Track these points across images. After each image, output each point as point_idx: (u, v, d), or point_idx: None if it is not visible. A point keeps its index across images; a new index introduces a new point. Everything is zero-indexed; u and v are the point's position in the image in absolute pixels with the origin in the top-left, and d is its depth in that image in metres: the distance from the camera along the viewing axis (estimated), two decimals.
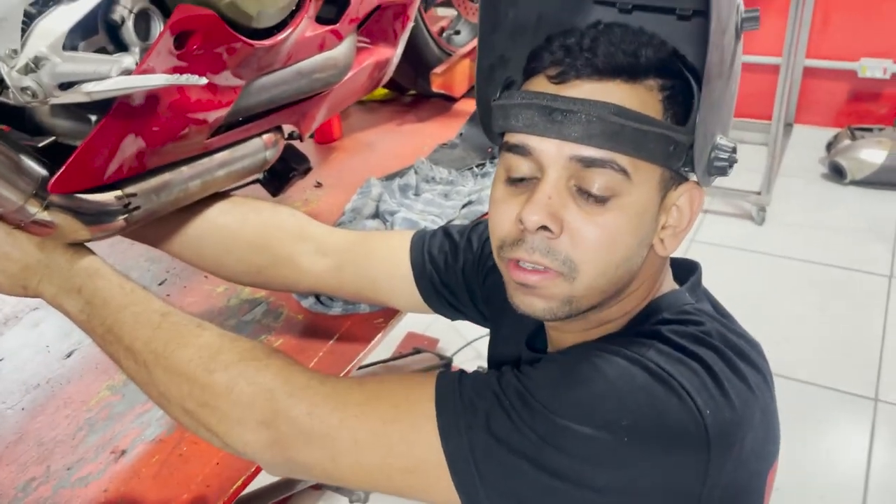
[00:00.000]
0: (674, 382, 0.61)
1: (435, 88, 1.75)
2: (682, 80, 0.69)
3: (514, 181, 0.70)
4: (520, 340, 0.87)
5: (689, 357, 0.63)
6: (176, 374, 0.73)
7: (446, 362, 2.19)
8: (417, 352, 2.26)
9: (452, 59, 1.79)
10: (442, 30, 1.89)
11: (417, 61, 1.73)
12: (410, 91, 1.90)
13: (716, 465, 0.60)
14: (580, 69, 0.66)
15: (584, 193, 0.66)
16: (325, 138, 1.68)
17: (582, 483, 0.60)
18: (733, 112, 0.76)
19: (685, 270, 0.80)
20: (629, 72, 0.66)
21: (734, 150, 0.70)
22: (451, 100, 1.83)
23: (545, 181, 0.66)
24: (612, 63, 0.66)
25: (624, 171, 0.65)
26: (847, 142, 3.48)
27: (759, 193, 3.15)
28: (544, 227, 0.66)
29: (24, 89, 0.65)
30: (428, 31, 1.72)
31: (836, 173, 3.46)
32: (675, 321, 0.69)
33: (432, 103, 1.84)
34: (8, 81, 0.65)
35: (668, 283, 0.77)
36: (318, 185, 1.48)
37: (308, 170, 1.22)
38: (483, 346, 2.44)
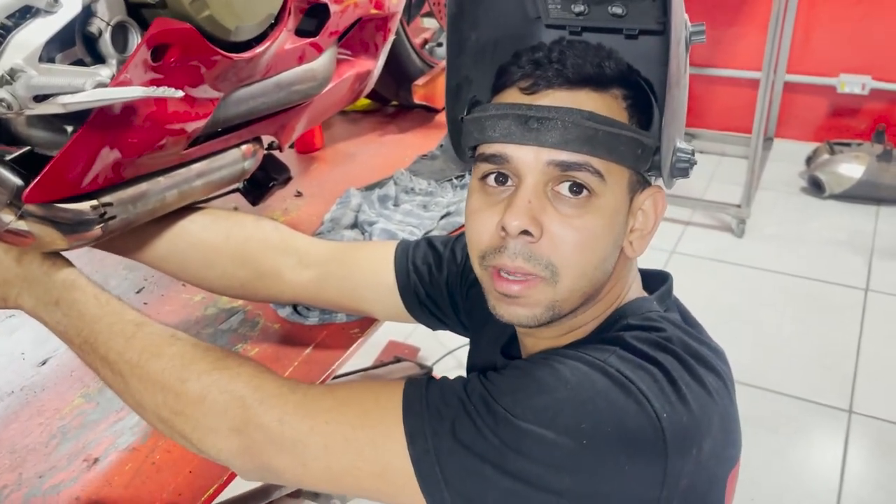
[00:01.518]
0: (632, 387, 0.62)
1: (416, 100, 1.76)
2: (640, 91, 0.73)
3: (490, 188, 0.72)
4: (496, 349, 0.89)
5: (648, 362, 0.65)
6: (150, 384, 0.74)
7: (427, 371, 2.19)
8: (398, 360, 2.27)
9: (434, 70, 1.80)
10: (425, 42, 1.91)
11: (399, 73, 1.74)
12: (392, 102, 1.91)
13: (674, 469, 0.62)
14: (551, 79, 0.70)
15: (560, 198, 0.69)
16: (306, 148, 1.69)
17: (543, 487, 0.61)
18: (685, 118, 0.81)
19: (657, 281, 0.82)
20: (597, 81, 0.70)
21: (693, 153, 0.74)
22: (432, 111, 1.84)
23: (524, 187, 0.69)
24: (581, 73, 0.70)
25: (599, 173, 0.68)
26: (826, 156, 3.54)
27: (738, 206, 3.19)
28: (525, 232, 0.68)
29: None
30: (410, 43, 1.73)
31: (815, 187, 3.51)
32: (638, 327, 0.71)
33: (414, 114, 1.85)
34: None
35: (636, 291, 0.79)
36: (299, 194, 1.49)
37: (288, 179, 1.23)
38: (464, 355, 2.45)
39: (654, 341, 0.68)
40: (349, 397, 0.70)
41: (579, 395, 0.62)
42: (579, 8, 0.77)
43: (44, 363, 1.08)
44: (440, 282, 0.97)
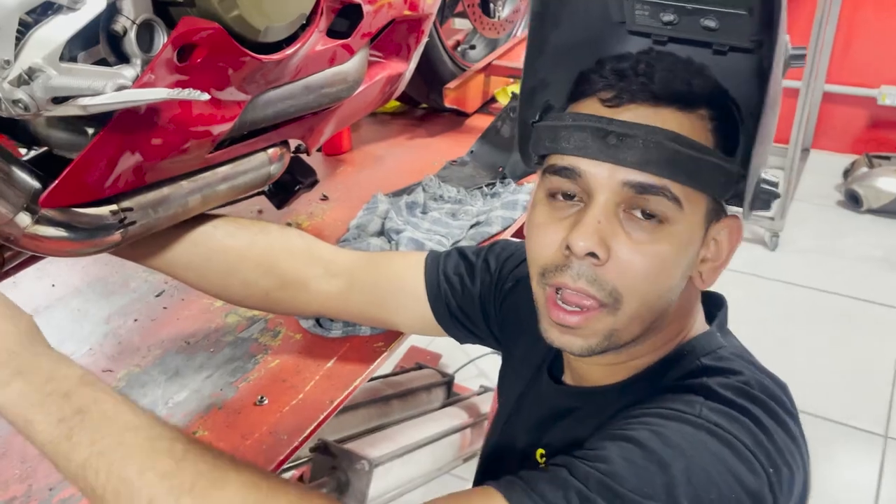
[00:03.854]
0: (738, 444, 0.59)
1: (447, 103, 1.72)
2: (727, 113, 0.68)
3: (557, 203, 0.68)
4: (535, 365, 0.86)
5: (738, 412, 0.62)
6: None
7: (448, 379, 2.15)
8: (419, 367, 2.23)
9: (466, 73, 1.76)
10: (457, 43, 1.86)
11: (431, 75, 1.70)
12: (422, 105, 1.87)
13: None
14: (636, 93, 0.65)
15: (633, 221, 0.64)
16: (333, 150, 1.65)
17: None
18: (771, 146, 0.75)
19: (711, 304, 0.79)
20: (684, 100, 0.66)
21: (777, 185, 0.70)
22: (463, 115, 1.80)
23: (594, 206, 0.65)
24: (669, 90, 0.65)
25: (676, 200, 0.64)
26: (864, 169, 3.44)
27: (772, 219, 3.11)
28: (592, 254, 0.64)
29: (15, 102, 0.62)
30: (443, 45, 1.69)
31: (853, 201, 3.42)
32: (716, 371, 0.67)
33: (444, 118, 1.81)
34: (1, 94, 0.62)
35: (700, 321, 0.76)
36: (324, 198, 1.45)
37: (314, 183, 1.19)
38: (485, 363, 2.41)
39: (738, 388, 0.64)
40: None
41: (698, 464, 0.58)
42: (669, 17, 0.71)
43: None
44: (472, 293, 0.94)
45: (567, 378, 0.82)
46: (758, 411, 0.62)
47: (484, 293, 0.94)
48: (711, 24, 0.70)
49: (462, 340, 1.00)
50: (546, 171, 0.69)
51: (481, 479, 0.92)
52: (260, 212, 1.38)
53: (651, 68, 0.66)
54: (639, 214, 0.64)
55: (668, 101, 0.65)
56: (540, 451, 0.80)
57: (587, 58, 0.71)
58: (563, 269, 0.66)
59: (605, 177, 0.64)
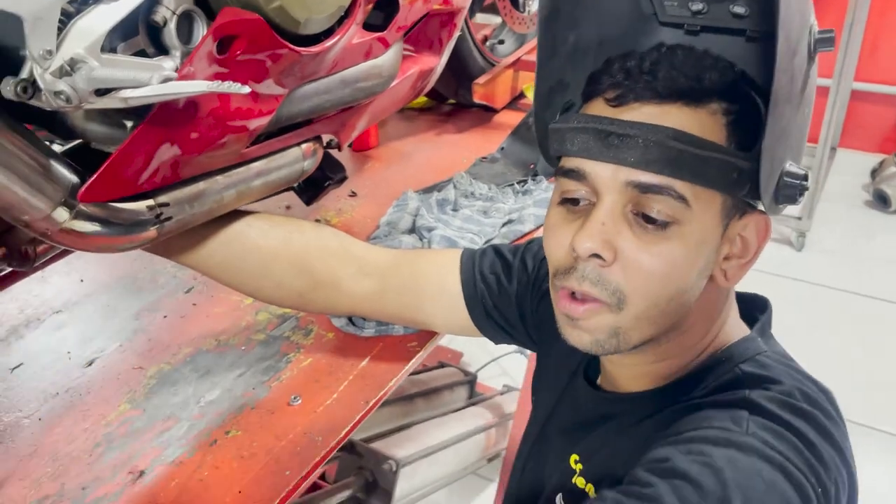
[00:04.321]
0: (789, 467, 0.57)
1: (476, 99, 1.69)
2: (750, 105, 0.66)
3: (570, 206, 0.68)
4: (571, 368, 0.84)
5: (784, 428, 0.59)
6: None
7: (471, 378, 2.13)
8: (442, 365, 2.21)
9: (495, 69, 1.73)
10: (486, 38, 1.84)
11: (459, 70, 1.67)
12: (450, 100, 1.84)
13: None
14: (639, 92, 0.64)
15: (640, 221, 0.63)
16: (360, 146, 1.63)
17: None
18: (806, 138, 0.73)
19: (753, 306, 0.76)
20: (691, 95, 0.63)
21: (805, 178, 0.66)
22: (491, 111, 1.77)
23: (600, 207, 0.64)
24: (673, 86, 0.63)
25: (683, 199, 0.62)
26: (893, 169, 3.38)
27: (799, 218, 3.06)
28: (596, 255, 0.63)
29: (57, 93, 0.61)
30: (472, 39, 1.66)
31: (881, 201, 3.36)
32: (755, 378, 0.64)
33: (472, 114, 1.79)
34: (41, 84, 0.61)
35: (736, 322, 0.73)
36: (353, 194, 1.43)
37: (343, 179, 1.17)
38: (507, 362, 2.39)
39: (781, 402, 0.61)
40: None
41: (754, 498, 0.55)
42: (697, 6, 0.69)
43: (90, 364, 1.03)
44: (509, 292, 0.92)
45: (602, 382, 0.80)
46: (803, 425, 0.60)
47: (521, 293, 0.92)
48: (741, 10, 0.68)
49: (498, 341, 0.98)
50: (557, 172, 0.69)
51: (518, 486, 0.89)
52: (288, 207, 1.37)
53: (656, 65, 0.64)
54: (645, 215, 0.63)
55: (674, 97, 0.63)
56: (574, 456, 0.78)
57: (614, 54, 0.69)
58: (571, 272, 0.65)
59: (608, 177, 0.63)
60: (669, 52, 0.66)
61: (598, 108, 0.66)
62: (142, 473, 0.85)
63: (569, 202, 0.68)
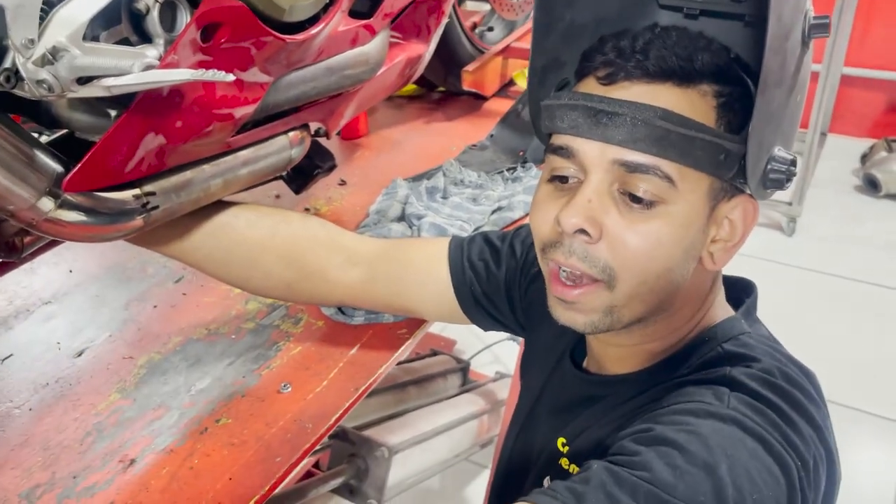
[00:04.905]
0: (769, 439, 0.58)
1: (465, 87, 1.69)
2: (742, 88, 0.66)
3: (558, 183, 0.68)
4: (558, 351, 0.85)
5: (765, 405, 0.60)
6: None
7: (464, 366, 2.14)
8: (434, 353, 2.22)
9: (485, 56, 1.73)
10: (475, 25, 1.83)
11: (448, 58, 1.67)
12: (439, 88, 1.84)
13: None
14: (630, 71, 0.65)
15: (626, 200, 0.64)
16: (350, 134, 1.63)
17: None
18: (797, 124, 0.73)
19: (739, 290, 0.77)
20: (681, 75, 0.64)
21: (793, 163, 0.67)
22: (481, 98, 1.77)
23: (586, 184, 0.65)
24: (664, 66, 0.64)
25: (669, 178, 0.63)
26: (883, 153, 3.39)
27: (790, 204, 3.08)
28: (582, 231, 0.64)
29: (39, 82, 0.61)
30: (461, 26, 1.66)
31: (871, 186, 3.38)
32: (738, 357, 0.65)
33: (462, 101, 1.79)
34: (23, 73, 0.60)
35: (722, 305, 0.74)
36: (342, 182, 1.43)
37: (333, 167, 1.17)
38: (500, 349, 2.40)
39: (761, 379, 0.62)
40: None
41: (739, 463, 0.56)
42: None
43: (80, 354, 1.04)
44: (498, 279, 0.92)
45: (589, 364, 0.81)
46: (781, 402, 0.61)
47: (509, 279, 0.92)
48: None
49: (486, 328, 0.98)
50: (547, 150, 0.70)
51: (507, 468, 0.90)
52: (277, 196, 1.37)
53: (649, 44, 0.64)
54: (632, 194, 0.63)
55: (664, 77, 0.64)
56: (561, 439, 0.78)
57: (608, 34, 0.70)
58: (557, 246, 0.66)
59: (596, 155, 0.64)
60: (663, 33, 0.66)
61: (590, 86, 0.67)
62: (133, 462, 0.86)
63: (557, 179, 0.68)
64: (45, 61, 0.60)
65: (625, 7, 0.75)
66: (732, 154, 0.64)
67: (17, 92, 0.62)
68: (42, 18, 0.61)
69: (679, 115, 0.62)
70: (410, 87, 1.85)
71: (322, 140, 1.13)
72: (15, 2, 0.59)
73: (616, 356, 0.75)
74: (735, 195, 0.67)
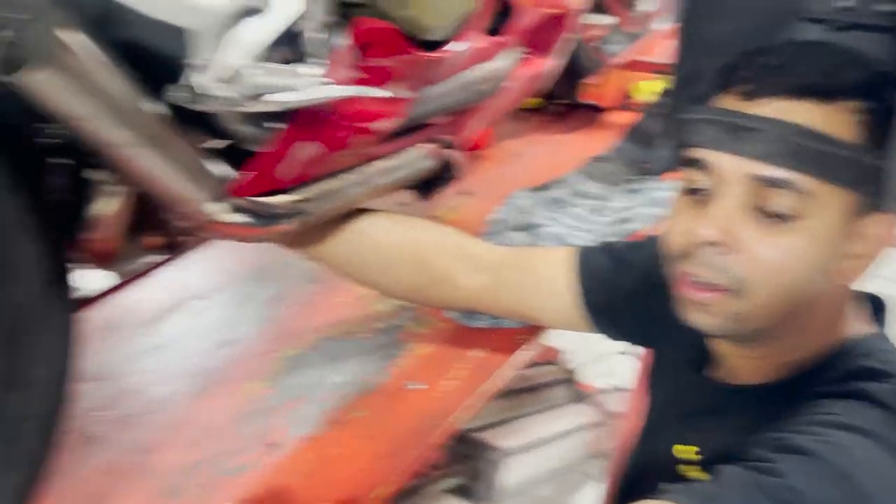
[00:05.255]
0: None
1: (587, 100, 1.71)
2: (888, 103, 0.65)
3: (694, 196, 0.69)
4: (687, 361, 0.84)
5: None
6: None
7: (572, 376, 2.14)
8: (544, 363, 2.23)
9: (606, 69, 1.74)
10: (597, 38, 1.84)
11: (570, 70, 1.69)
12: (561, 100, 1.86)
13: None
14: (770, 87, 0.65)
15: (762, 213, 0.64)
16: (473, 146, 1.68)
17: None
18: None
19: (869, 304, 0.75)
20: (822, 92, 0.64)
21: None
22: (602, 111, 1.78)
23: (722, 198, 0.65)
24: (804, 82, 0.64)
25: (805, 193, 0.63)
26: None
27: None
28: (716, 243, 0.64)
29: (219, 98, 0.68)
30: (584, 40, 1.68)
31: None
32: (876, 373, 0.64)
33: (582, 114, 1.80)
34: (204, 91, 0.68)
35: (856, 319, 0.73)
36: (466, 193, 1.48)
37: (458, 178, 1.22)
38: (611, 360, 2.37)
39: None
40: None
41: (874, 475, 0.56)
42: (845, 3, 0.69)
43: (227, 345, 1.13)
44: (621, 289, 0.93)
45: (717, 374, 0.80)
46: None
47: (633, 290, 0.92)
48: (885, 7, 0.67)
49: (611, 337, 0.99)
50: (682, 163, 0.70)
51: (631, 476, 0.91)
52: (404, 205, 1.43)
53: (792, 61, 0.65)
54: (767, 207, 0.63)
55: (803, 93, 0.63)
56: (691, 447, 0.78)
57: (748, 47, 0.70)
58: (690, 258, 0.67)
59: (732, 170, 0.64)
60: (804, 49, 0.67)
61: (729, 100, 0.67)
62: (276, 446, 0.93)
63: (693, 192, 0.69)
64: (225, 80, 0.68)
65: (766, 21, 0.75)
66: (872, 169, 0.63)
67: (196, 107, 0.70)
68: (223, 40, 0.68)
69: (817, 132, 0.62)
70: (533, 100, 1.88)
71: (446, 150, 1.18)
72: (197, 26, 0.66)
73: (748, 367, 0.75)
74: (873, 210, 0.66)
